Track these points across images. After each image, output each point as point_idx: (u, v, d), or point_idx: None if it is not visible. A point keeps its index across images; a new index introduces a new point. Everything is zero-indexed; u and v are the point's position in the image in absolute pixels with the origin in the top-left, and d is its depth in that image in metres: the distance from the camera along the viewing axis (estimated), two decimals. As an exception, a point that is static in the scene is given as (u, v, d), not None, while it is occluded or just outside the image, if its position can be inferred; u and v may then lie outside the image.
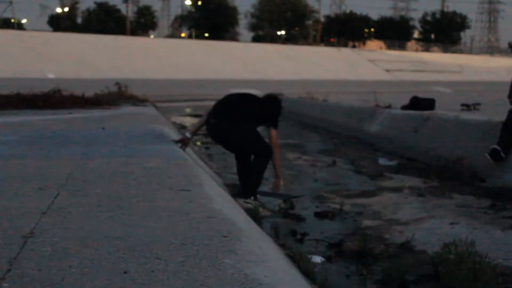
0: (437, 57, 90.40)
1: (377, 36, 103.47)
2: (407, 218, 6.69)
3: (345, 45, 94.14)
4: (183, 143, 7.38)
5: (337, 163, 10.92)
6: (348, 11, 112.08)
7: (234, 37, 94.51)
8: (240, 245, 3.09)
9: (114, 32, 75.61)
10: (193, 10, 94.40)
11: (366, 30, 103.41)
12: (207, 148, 12.43)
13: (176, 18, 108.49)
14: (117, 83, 19.35)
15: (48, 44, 54.35)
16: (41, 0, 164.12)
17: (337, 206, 7.12)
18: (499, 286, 4.26)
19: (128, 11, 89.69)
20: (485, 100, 18.78)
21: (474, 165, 9.14)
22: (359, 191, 8.35)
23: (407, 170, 10.06)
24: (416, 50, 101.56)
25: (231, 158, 8.00)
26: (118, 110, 13.73)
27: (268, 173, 7.40)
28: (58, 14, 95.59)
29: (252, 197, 6.92)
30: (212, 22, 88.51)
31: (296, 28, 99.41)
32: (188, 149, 7.69)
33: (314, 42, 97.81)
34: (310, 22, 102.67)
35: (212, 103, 7.57)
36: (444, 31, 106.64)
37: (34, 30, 71.62)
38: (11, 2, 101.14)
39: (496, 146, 8.73)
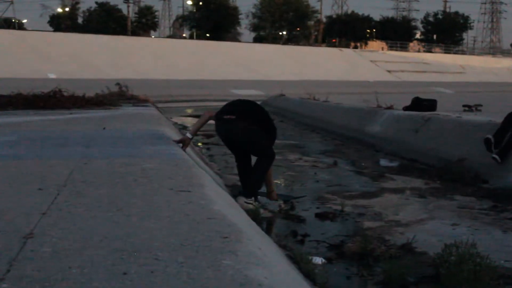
0: (439, 58, 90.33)
1: (379, 36, 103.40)
2: (408, 219, 6.69)
3: (347, 46, 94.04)
4: (184, 143, 7.36)
5: (338, 164, 10.92)
6: (349, 11, 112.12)
7: (235, 38, 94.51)
8: (240, 246, 3.08)
9: (115, 32, 75.60)
10: (194, 10, 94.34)
11: (368, 30, 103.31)
12: (208, 149, 12.44)
13: (177, 18, 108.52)
14: (117, 84, 19.35)
15: (49, 44, 54.32)
16: (42, 0, 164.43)
17: (338, 207, 7.12)
18: (500, 287, 4.25)
19: (129, 11, 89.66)
20: (487, 101, 18.79)
21: (475, 166, 9.13)
22: (360, 192, 8.35)
23: (409, 171, 10.06)
24: (418, 51, 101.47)
25: (232, 159, 7.99)
26: (119, 111, 13.72)
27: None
28: (59, 14, 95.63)
29: (253, 198, 6.91)
30: (213, 22, 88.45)
31: (298, 29, 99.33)
32: (189, 150, 7.68)
33: (316, 42, 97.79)
34: (311, 22, 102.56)
35: (213, 103, 7.60)
36: (446, 32, 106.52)
37: (35, 30, 71.55)
38: (12, 2, 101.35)
39: (489, 136, 8.79)
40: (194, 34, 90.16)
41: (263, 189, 7.37)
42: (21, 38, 55.49)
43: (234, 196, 6.99)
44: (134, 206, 3.81)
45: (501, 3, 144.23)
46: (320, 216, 6.82)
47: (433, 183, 8.92)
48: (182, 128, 15.82)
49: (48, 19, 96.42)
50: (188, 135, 7.46)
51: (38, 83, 21.56)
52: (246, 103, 7.52)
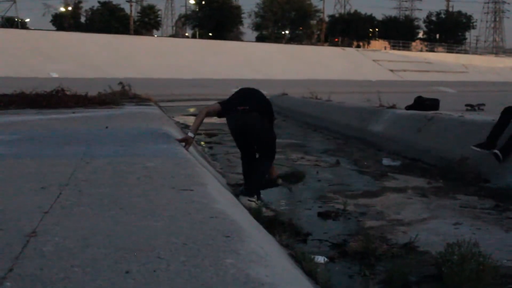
0: (441, 57, 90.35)
1: (382, 36, 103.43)
2: (411, 218, 6.68)
3: (349, 45, 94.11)
4: (187, 142, 7.35)
5: (340, 163, 10.92)
6: (352, 10, 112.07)
7: (238, 37, 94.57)
8: (242, 245, 3.08)
9: (118, 32, 75.74)
10: (197, 9, 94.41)
11: (371, 30, 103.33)
12: (210, 148, 12.44)
13: (180, 17, 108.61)
14: (120, 83, 19.37)
15: (51, 44, 54.40)
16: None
17: (341, 206, 7.11)
18: (503, 287, 4.25)
19: (132, 10, 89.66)
20: (490, 100, 18.76)
21: (478, 166, 9.13)
22: (362, 191, 8.35)
23: (411, 171, 10.05)
24: (421, 50, 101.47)
25: (234, 158, 8.02)
26: (121, 110, 13.72)
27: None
28: (61, 13, 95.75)
29: (255, 196, 6.92)
30: (215, 22, 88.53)
31: (300, 28, 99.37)
32: (192, 149, 7.69)
33: (318, 41, 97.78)
34: (314, 21, 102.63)
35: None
36: (449, 31, 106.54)
37: (38, 29, 71.61)
38: (14, 1, 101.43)
39: (497, 151, 8.78)
40: (197, 33, 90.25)
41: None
42: (23, 37, 55.56)
43: (237, 195, 6.99)
44: (137, 205, 3.81)
45: (504, 2, 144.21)
46: (323, 215, 6.82)
47: (435, 182, 8.92)
48: (185, 127, 15.80)
49: (50, 18, 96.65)
50: (190, 134, 7.43)
51: (40, 82, 21.54)
52: (255, 94, 7.47)
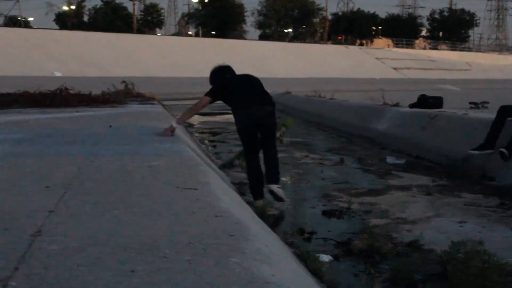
0: (445, 55, 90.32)
1: (385, 34, 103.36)
2: (415, 216, 6.68)
3: (353, 43, 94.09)
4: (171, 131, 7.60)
5: (344, 161, 10.90)
6: (355, 9, 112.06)
7: (241, 35, 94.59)
8: (247, 244, 3.07)
9: (121, 30, 75.77)
10: (199, 8, 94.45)
11: (374, 28, 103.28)
12: (214, 146, 12.43)
13: (183, 16, 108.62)
14: (123, 81, 19.40)
15: (55, 42, 54.41)
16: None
17: (345, 205, 7.11)
18: (508, 285, 4.24)
19: (135, 9, 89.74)
20: (494, 98, 18.75)
21: (482, 164, 9.11)
22: (367, 190, 8.34)
23: (415, 169, 10.05)
24: (424, 48, 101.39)
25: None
26: (125, 108, 13.73)
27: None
28: (64, 12, 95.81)
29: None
30: (219, 20, 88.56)
31: (303, 26, 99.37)
32: (195, 147, 7.70)
33: (321, 40, 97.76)
34: (317, 20, 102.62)
35: (219, 101, 7.53)
36: (452, 29, 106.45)
37: (41, 28, 71.65)
38: (17, 0, 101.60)
39: (503, 150, 8.76)
40: (200, 32, 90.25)
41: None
42: (26, 36, 55.54)
43: (241, 193, 7.00)
44: (141, 204, 3.81)
45: (507, 0, 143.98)
46: (327, 214, 6.82)
47: (440, 180, 8.91)
48: (188, 125, 15.82)
49: (54, 17, 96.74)
50: (174, 124, 7.67)
51: (43, 81, 21.53)
52: (256, 82, 7.53)
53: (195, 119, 19.10)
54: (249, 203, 6.45)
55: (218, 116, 19.45)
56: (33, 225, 3.24)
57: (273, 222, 6.34)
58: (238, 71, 7.76)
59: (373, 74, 65.25)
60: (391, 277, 4.53)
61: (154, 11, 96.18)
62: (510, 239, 5.76)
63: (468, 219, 6.50)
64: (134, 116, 11.41)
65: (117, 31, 71.87)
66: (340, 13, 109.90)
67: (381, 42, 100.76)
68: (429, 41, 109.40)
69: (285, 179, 9.08)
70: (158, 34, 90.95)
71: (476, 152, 9.15)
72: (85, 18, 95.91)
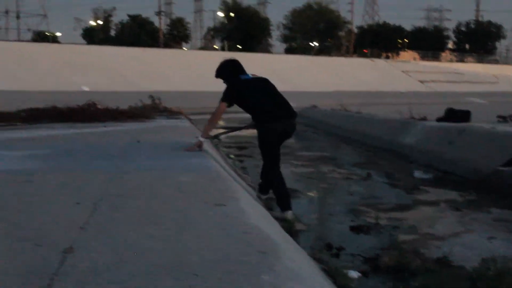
0: (472, 68, 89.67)
1: (411, 46, 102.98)
2: (444, 232, 6.63)
3: (378, 56, 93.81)
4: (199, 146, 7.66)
5: (372, 176, 10.84)
6: (381, 21, 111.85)
7: (266, 49, 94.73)
8: (277, 261, 3.08)
9: (147, 45, 76.22)
10: (225, 22, 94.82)
11: (400, 40, 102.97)
12: (240, 161, 12.42)
13: (209, 30, 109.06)
14: (150, 96, 19.49)
15: (82, 57, 54.89)
16: (75, 13, 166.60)
17: (373, 220, 7.07)
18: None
19: (161, 23, 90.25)
20: (522, 111, 18.55)
21: (511, 178, 9.03)
22: (394, 205, 8.29)
23: (443, 183, 9.97)
24: (450, 61, 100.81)
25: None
26: (152, 123, 13.80)
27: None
28: (92, 27, 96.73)
29: None
30: (244, 34, 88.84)
31: (329, 39, 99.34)
32: (222, 162, 7.72)
33: (347, 53, 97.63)
34: (343, 33, 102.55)
35: (245, 114, 7.49)
36: (479, 41, 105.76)
37: (68, 43, 72.38)
38: (45, 16, 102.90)
39: None
40: (226, 45, 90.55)
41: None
42: (54, 51, 56.16)
43: (268, 208, 6.99)
44: (171, 220, 3.83)
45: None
46: (355, 229, 6.78)
47: (468, 195, 8.84)
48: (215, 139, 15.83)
49: (81, 32, 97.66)
50: (201, 138, 7.69)
51: (71, 95, 21.78)
52: (275, 90, 7.41)
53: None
54: (276, 218, 6.44)
55: (243, 130, 19.30)
56: (65, 241, 3.27)
57: (301, 237, 6.33)
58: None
59: (399, 87, 64.96)
60: (421, 294, 4.50)
61: (180, 25, 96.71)
62: (541, 255, 5.69)
63: (497, 235, 6.44)
64: (162, 131, 11.47)
65: (143, 46, 72.33)
66: (365, 26, 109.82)
67: (407, 55, 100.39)
68: (455, 53, 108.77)
69: (312, 194, 9.07)
70: (184, 48, 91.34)
71: (506, 168, 9.07)
72: (112, 33, 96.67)
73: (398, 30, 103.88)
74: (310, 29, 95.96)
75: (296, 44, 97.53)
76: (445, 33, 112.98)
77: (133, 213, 4.04)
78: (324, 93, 47.07)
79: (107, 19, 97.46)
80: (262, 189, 7.47)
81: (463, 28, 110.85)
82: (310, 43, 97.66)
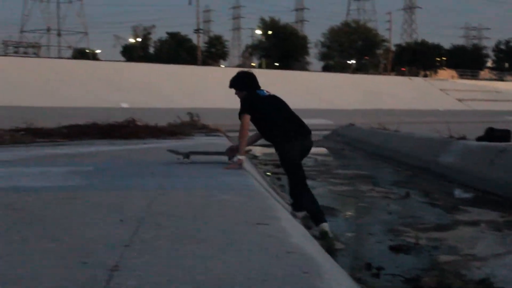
0: (511, 86, 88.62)
1: (449, 65, 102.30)
2: (485, 253, 6.57)
3: (416, 74, 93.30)
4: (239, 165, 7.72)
5: (410, 195, 10.78)
6: (419, 40, 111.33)
7: (304, 67, 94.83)
8: (321, 281, 3.09)
9: (186, 62, 76.82)
10: (263, 39, 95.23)
11: (438, 59, 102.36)
12: (278, 179, 12.44)
13: (247, 47, 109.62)
14: (189, 113, 19.67)
15: (122, 74, 55.50)
16: (115, 31, 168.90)
17: (412, 240, 7.03)
18: None
19: (199, 41, 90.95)
20: None
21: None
22: (434, 225, 8.23)
23: (484, 203, 9.88)
24: (490, 79, 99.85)
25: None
26: (192, 140, 13.91)
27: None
28: (131, 44, 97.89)
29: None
30: (282, 52, 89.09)
31: (366, 57, 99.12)
32: (261, 180, 7.75)
33: (385, 71, 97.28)
34: (380, 51, 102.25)
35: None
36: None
37: (108, 60, 73.28)
38: (86, 33, 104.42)
39: None
40: (263, 63, 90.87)
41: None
42: (94, 68, 56.90)
43: (307, 226, 7.00)
44: (214, 239, 3.86)
45: None
46: (394, 249, 6.75)
47: (509, 216, 8.74)
48: (253, 157, 15.89)
49: (120, 49, 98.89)
50: (240, 157, 7.73)
51: (111, 112, 22.02)
52: (289, 108, 7.51)
53: (259, 151, 19.15)
54: (314, 236, 6.45)
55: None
56: (110, 260, 3.32)
57: (340, 256, 6.32)
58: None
59: (438, 106, 64.51)
60: (463, 316, 4.48)
61: (218, 42, 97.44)
62: None
63: (540, 256, 6.37)
64: (201, 149, 11.54)
65: (182, 63, 72.91)
66: (404, 44, 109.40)
67: (445, 73, 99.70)
68: (494, 72, 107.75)
69: (350, 213, 9.06)
70: (222, 66, 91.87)
71: None
72: (151, 50, 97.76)
73: (436, 48, 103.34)
74: (348, 47, 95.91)
75: (333, 62, 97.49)
76: (484, 52, 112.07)
77: (176, 232, 4.08)
78: (361, 111, 46.93)
79: (146, 37, 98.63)
80: (295, 207, 7.44)
81: (502, 47, 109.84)
82: (348, 61, 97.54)
